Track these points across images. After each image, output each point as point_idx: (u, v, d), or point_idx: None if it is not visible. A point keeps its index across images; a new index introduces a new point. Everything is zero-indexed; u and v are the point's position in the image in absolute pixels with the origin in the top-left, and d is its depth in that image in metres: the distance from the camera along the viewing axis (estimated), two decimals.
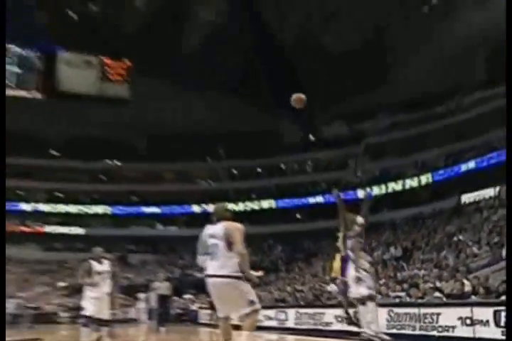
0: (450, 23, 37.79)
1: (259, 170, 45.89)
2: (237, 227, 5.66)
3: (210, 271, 5.62)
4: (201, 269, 5.79)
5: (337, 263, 9.52)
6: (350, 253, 8.33)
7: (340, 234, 8.53)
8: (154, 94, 41.87)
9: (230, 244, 5.58)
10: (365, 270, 8.17)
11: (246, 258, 5.56)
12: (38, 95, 43.21)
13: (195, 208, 43.55)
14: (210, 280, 5.62)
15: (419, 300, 12.32)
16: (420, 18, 39.30)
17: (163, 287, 17.74)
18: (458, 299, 11.76)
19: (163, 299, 17.46)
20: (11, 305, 25.56)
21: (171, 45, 41.35)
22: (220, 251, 5.61)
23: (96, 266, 9.38)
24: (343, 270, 8.65)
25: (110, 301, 9.33)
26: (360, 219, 8.40)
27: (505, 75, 7.16)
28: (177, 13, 38.62)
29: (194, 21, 39.55)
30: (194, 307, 28.48)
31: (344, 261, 8.58)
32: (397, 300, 13.23)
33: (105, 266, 9.50)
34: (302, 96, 6.41)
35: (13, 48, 42.62)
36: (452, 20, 37.66)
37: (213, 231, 5.74)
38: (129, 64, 42.86)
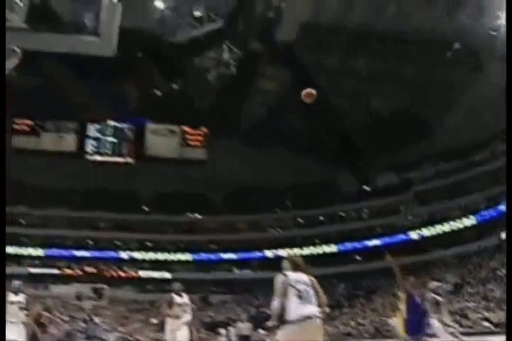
0: (485, 72, 38.90)
1: (321, 218, 49.76)
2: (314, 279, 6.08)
3: (308, 313, 5.78)
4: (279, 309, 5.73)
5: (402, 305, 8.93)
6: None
7: (401, 294, 8.62)
8: (227, 153, 45.54)
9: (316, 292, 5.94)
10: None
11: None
12: (130, 160, 47.55)
13: (267, 253, 47.54)
14: (307, 321, 5.73)
15: (470, 330, 12.79)
16: (454, 69, 40.53)
17: (244, 327, 18.81)
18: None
19: (244, 339, 18.31)
20: (112, 338, 28.34)
21: (240, 112, 45.40)
22: (311, 297, 5.86)
23: (176, 298, 10.23)
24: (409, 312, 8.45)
25: (189, 331, 10.07)
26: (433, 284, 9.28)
27: (506, 75, 7.24)
28: (244, 87, 43.36)
29: (259, 92, 44.19)
30: None
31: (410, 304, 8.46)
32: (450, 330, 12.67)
33: (185, 298, 10.23)
34: (312, 91, 6.20)
35: (110, 122, 48.05)
36: (488, 67, 38.51)
37: (299, 278, 5.98)
38: (206, 131, 46.96)
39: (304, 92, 6.41)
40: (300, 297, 5.78)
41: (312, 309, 5.75)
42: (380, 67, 39.60)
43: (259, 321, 34.88)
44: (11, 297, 11.08)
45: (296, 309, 5.68)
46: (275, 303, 5.79)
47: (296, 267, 6.08)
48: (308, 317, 5.67)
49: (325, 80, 38.84)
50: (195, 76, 39.13)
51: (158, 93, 43.62)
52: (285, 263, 6.18)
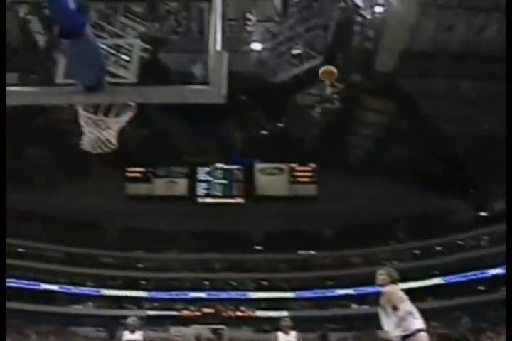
0: None
1: (438, 248, 48.51)
2: None
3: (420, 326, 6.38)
4: None
5: None
6: None
7: None
8: (337, 188, 45.67)
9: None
10: None
11: None
12: (240, 200, 48.97)
13: None
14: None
15: None
16: None
17: None
18: None
19: None
20: None
21: (348, 146, 45.73)
22: None
23: (282, 337, 10.44)
24: None
25: None
26: None
27: (506, 75, 7.20)
28: (349, 120, 43.45)
29: (364, 125, 44.05)
30: None
31: None
32: None
33: (291, 337, 10.30)
34: (332, 69, 5.33)
35: (219, 165, 49.62)
36: None
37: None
38: (314, 166, 47.53)
39: (321, 70, 5.59)
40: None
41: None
42: (486, 88, 38.55)
43: None
44: (127, 335, 11.25)
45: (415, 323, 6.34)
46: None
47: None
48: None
49: (430, 107, 38.17)
50: (299, 113, 39.63)
51: (264, 133, 44.39)
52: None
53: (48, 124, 37.39)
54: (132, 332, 11.42)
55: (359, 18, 33.42)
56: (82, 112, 4.88)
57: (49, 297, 46.45)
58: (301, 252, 51.05)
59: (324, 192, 46.08)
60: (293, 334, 10.20)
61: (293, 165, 48.83)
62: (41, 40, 5.32)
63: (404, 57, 36.27)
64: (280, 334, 10.15)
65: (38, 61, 5.13)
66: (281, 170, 49.18)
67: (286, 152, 44.85)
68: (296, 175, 48.78)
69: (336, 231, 50.78)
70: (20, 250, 46.20)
